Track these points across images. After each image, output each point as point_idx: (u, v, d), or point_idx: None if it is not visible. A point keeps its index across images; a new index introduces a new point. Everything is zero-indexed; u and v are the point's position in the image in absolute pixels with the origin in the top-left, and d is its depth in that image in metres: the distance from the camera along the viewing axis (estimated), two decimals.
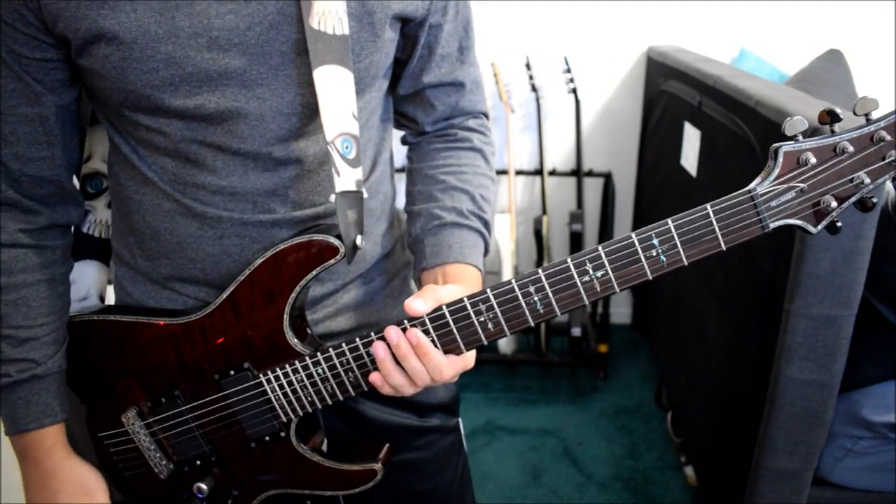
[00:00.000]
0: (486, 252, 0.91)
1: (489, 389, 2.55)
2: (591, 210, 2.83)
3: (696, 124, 1.78)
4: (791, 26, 2.55)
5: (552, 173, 2.72)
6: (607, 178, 2.69)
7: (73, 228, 0.90)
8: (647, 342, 2.80)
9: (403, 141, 1.00)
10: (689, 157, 1.85)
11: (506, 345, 2.59)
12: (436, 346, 0.76)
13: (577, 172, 2.64)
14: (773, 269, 1.26)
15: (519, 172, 2.72)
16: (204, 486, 0.87)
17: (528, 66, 2.59)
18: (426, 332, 0.76)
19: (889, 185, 1.24)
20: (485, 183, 0.93)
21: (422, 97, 0.91)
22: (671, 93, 2.11)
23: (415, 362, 0.75)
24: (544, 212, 2.63)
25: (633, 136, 2.73)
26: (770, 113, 1.25)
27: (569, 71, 2.55)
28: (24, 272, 0.81)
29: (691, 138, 1.82)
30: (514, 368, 2.69)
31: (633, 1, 2.56)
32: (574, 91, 2.55)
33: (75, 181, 0.90)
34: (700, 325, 1.77)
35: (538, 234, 2.57)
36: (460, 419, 1.05)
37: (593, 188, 2.81)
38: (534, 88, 2.58)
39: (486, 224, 0.91)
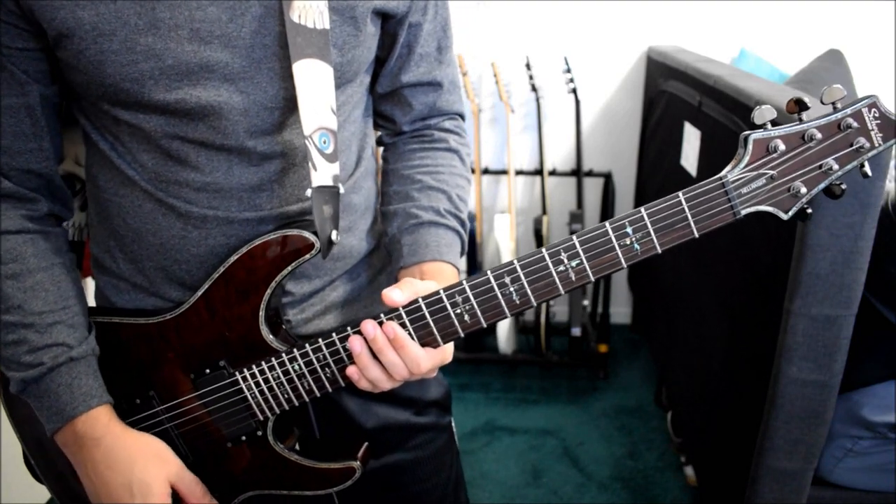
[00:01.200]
0: (463, 252, 0.91)
1: (489, 389, 2.56)
2: (591, 210, 2.83)
3: (696, 124, 1.78)
4: (791, 26, 2.55)
5: (552, 173, 2.72)
6: (607, 178, 2.69)
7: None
8: (647, 342, 2.80)
9: (379, 142, 1.00)
10: (689, 157, 1.84)
11: (506, 345, 2.59)
12: (413, 339, 0.76)
13: (577, 172, 2.64)
14: (773, 269, 1.26)
15: (519, 172, 2.72)
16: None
17: (528, 66, 2.59)
18: (403, 326, 0.75)
19: (889, 185, 1.24)
20: (461, 183, 0.94)
21: (399, 96, 0.92)
22: (671, 93, 2.11)
23: (392, 356, 0.75)
24: (544, 212, 2.63)
25: (633, 136, 2.73)
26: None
27: (569, 71, 2.55)
28: (37, 257, 0.79)
29: (691, 138, 1.82)
30: (514, 368, 2.69)
31: (633, 1, 2.56)
32: (574, 91, 2.55)
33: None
34: (700, 325, 1.77)
35: (538, 234, 2.57)
36: (452, 418, 1.05)
37: (593, 188, 2.81)
38: (534, 88, 2.58)
39: (463, 224, 0.91)
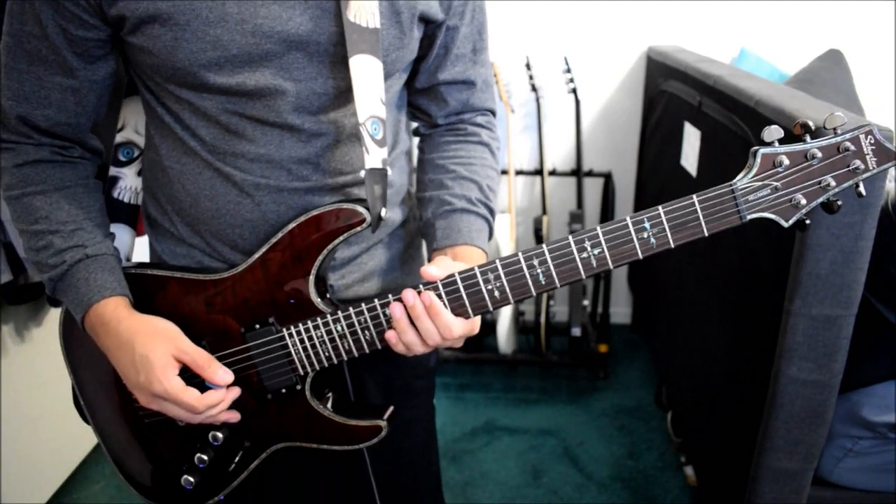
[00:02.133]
0: (490, 237, 0.99)
1: (489, 389, 2.56)
2: (591, 210, 2.83)
3: (696, 124, 1.78)
4: (791, 26, 2.55)
5: (552, 173, 2.72)
6: (607, 178, 2.69)
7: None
8: (647, 342, 2.80)
9: (416, 132, 1.08)
10: (689, 157, 1.85)
11: (506, 345, 2.59)
12: (446, 308, 0.83)
13: (577, 172, 2.65)
14: (773, 269, 1.26)
15: (519, 172, 2.72)
16: (219, 435, 0.91)
17: (528, 66, 2.59)
18: (438, 297, 0.83)
19: (889, 185, 1.24)
20: (491, 175, 1.02)
21: (436, 92, 0.99)
22: (671, 93, 2.11)
23: (427, 323, 0.82)
24: (544, 212, 2.63)
25: (633, 136, 2.73)
26: (770, 113, 1.25)
27: (569, 71, 2.55)
28: (62, 179, 0.89)
29: (691, 138, 1.82)
30: (514, 368, 2.69)
31: (633, 1, 2.56)
32: (574, 91, 2.55)
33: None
34: (700, 325, 1.77)
35: (538, 234, 2.57)
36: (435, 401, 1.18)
37: (593, 188, 2.81)
38: (534, 88, 2.58)
39: (492, 212, 0.99)
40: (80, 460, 2.11)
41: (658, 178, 2.33)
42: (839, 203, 0.80)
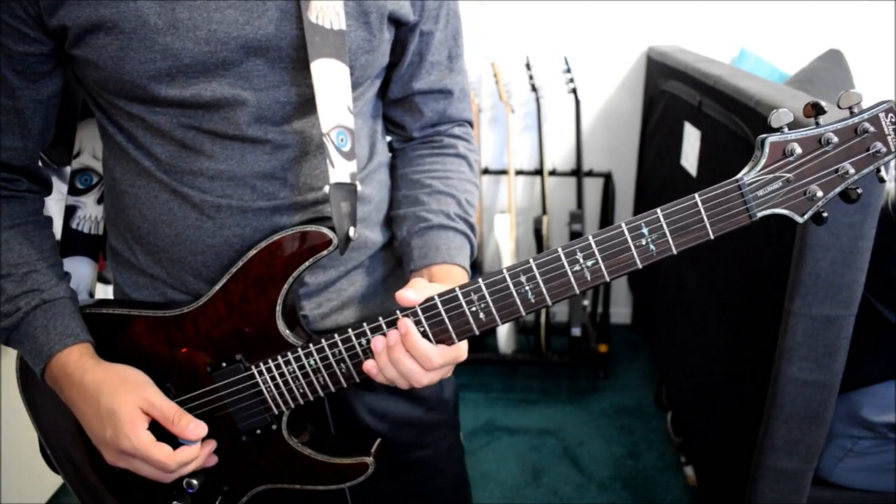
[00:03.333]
0: (472, 255, 0.92)
1: (489, 389, 2.55)
2: (591, 210, 2.83)
3: (696, 124, 1.78)
4: (791, 26, 2.55)
5: (552, 173, 2.72)
6: (607, 178, 2.69)
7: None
8: (647, 342, 2.80)
9: (389, 147, 1.00)
10: (689, 157, 1.85)
11: (506, 345, 2.59)
12: (428, 336, 0.77)
13: (577, 172, 2.64)
14: (773, 269, 1.26)
15: (519, 172, 2.72)
16: (195, 482, 0.85)
17: (528, 66, 2.59)
18: (418, 323, 0.76)
19: (889, 185, 1.24)
20: (469, 188, 0.95)
21: (410, 103, 0.93)
22: (671, 93, 2.11)
23: (409, 363, 0.76)
24: (544, 212, 2.63)
25: (633, 136, 2.73)
26: (770, 113, 1.25)
27: (569, 71, 2.55)
28: (10, 217, 0.82)
29: (691, 138, 1.82)
30: (514, 368, 2.69)
31: (633, 1, 2.56)
32: (574, 91, 2.55)
33: (65, 171, 0.91)
34: (700, 325, 1.77)
35: (538, 234, 2.57)
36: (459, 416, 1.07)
37: (593, 188, 2.81)
38: (534, 88, 2.58)
39: (472, 228, 0.92)
40: None
41: (658, 178, 2.33)
42: (859, 191, 0.71)
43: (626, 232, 0.72)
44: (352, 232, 0.80)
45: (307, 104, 0.79)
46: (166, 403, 0.79)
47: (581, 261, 0.73)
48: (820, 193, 0.71)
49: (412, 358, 0.76)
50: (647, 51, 2.58)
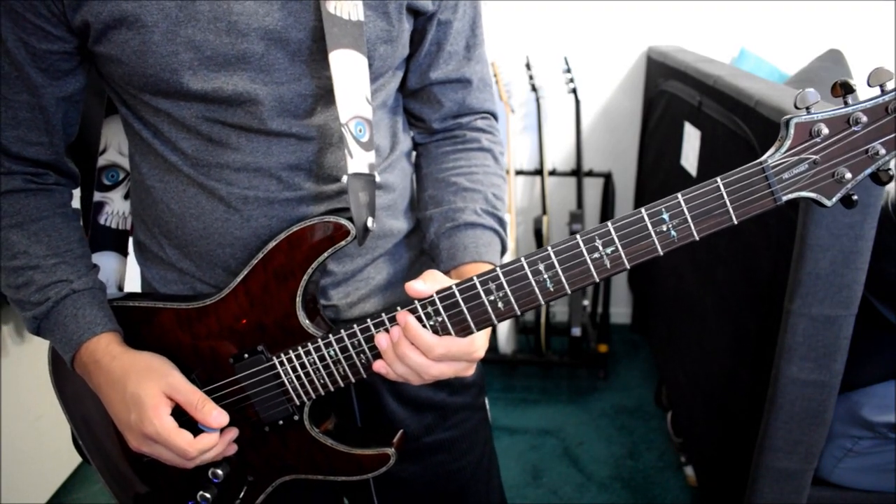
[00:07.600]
0: (504, 250, 0.91)
1: (489, 389, 2.55)
2: (591, 210, 2.83)
3: (696, 124, 1.78)
4: (791, 26, 2.55)
5: (552, 173, 2.72)
6: (607, 178, 2.69)
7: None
8: (647, 342, 2.80)
9: (414, 144, 1.00)
10: (689, 157, 1.85)
11: (506, 345, 2.59)
12: (447, 326, 0.76)
13: (577, 172, 2.65)
14: (773, 269, 1.26)
15: (519, 172, 2.72)
16: (219, 472, 0.87)
17: (528, 66, 2.59)
18: (437, 313, 0.75)
19: (890, 184, 1.24)
20: (496, 182, 0.94)
21: (428, 93, 0.93)
22: (671, 93, 2.11)
23: (416, 357, 0.75)
24: (544, 212, 2.63)
25: (633, 136, 2.73)
26: (770, 113, 1.25)
27: (569, 71, 2.55)
28: (38, 208, 0.84)
29: (691, 138, 1.82)
30: (514, 368, 2.69)
31: (633, 1, 2.56)
32: (574, 91, 2.55)
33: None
34: (700, 325, 1.77)
35: (538, 234, 2.57)
36: (486, 398, 1.06)
37: (593, 188, 2.81)
38: (534, 88, 2.58)
39: (501, 222, 0.91)
40: (81, 460, 2.11)
41: (658, 178, 2.33)
42: (891, 173, 0.68)
43: (647, 218, 0.69)
44: (370, 222, 0.80)
45: (327, 95, 0.79)
46: (190, 389, 0.80)
47: (600, 248, 0.71)
48: (849, 175, 0.67)
49: (417, 351, 0.75)
50: (647, 51, 2.58)
